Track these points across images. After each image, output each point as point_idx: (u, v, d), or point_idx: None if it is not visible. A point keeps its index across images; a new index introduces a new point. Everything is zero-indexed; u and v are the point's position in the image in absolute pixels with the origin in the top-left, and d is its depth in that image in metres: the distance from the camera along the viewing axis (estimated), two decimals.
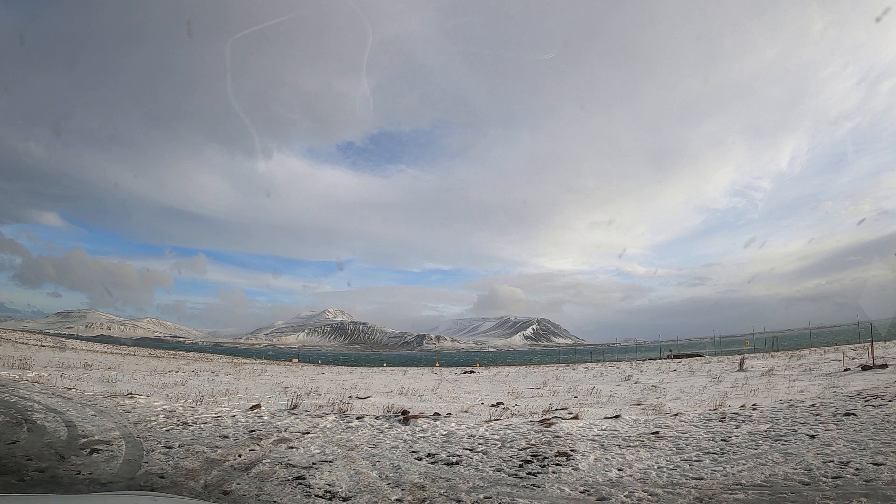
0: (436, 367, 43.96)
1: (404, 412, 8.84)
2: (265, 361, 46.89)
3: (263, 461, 5.65)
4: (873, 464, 4.98)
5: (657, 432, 7.01)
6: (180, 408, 8.88)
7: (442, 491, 4.76)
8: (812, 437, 6.28)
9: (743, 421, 7.52)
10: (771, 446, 5.99)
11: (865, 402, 8.34)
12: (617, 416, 8.35)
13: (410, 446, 6.58)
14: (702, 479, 4.95)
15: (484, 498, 4.57)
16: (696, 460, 5.59)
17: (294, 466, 5.48)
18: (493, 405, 11.20)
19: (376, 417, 8.58)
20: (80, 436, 6.54)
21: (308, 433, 7.23)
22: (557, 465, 5.60)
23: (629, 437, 6.85)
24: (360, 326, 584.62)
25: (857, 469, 4.87)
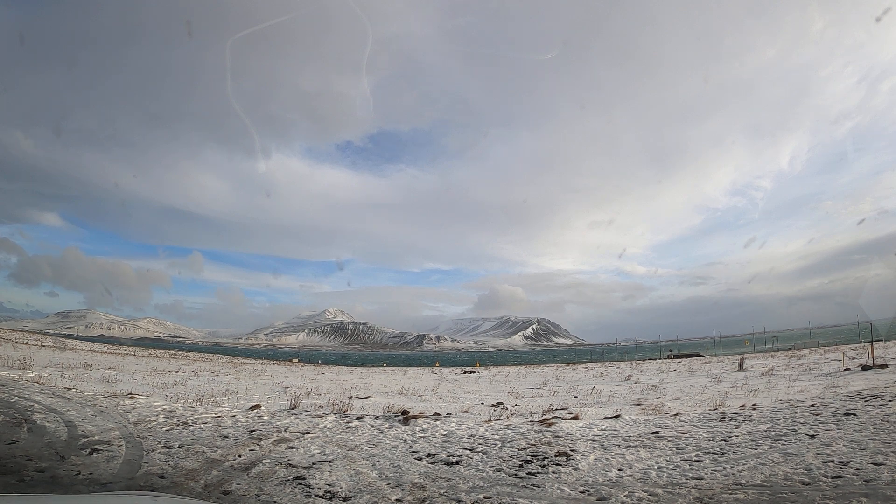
0: (436, 367, 43.98)
1: (404, 412, 8.84)
2: (265, 361, 46.90)
3: (263, 461, 5.65)
4: (873, 464, 4.98)
5: (657, 432, 7.01)
6: (180, 408, 8.88)
7: (442, 491, 4.76)
8: (812, 437, 6.28)
9: (743, 421, 7.52)
10: (771, 446, 5.99)
11: (865, 402, 8.33)
12: (617, 416, 8.35)
13: (410, 446, 6.58)
14: (702, 478, 4.95)
15: (484, 498, 4.58)
16: (696, 460, 5.59)
17: (294, 466, 5.48)
18: (493, 405, 11.20)
19: (376, 417, 8.58)
20: (80, 436, 6.54)
21: (308, 433, 7.23)
22: (557, 465, 5.60)
23: (629, 437, 6.85)
24: (360, 326, 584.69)
25: (857, 469, 4.87)
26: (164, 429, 7.16)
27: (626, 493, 4.62)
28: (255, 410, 8.99)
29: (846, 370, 14.78)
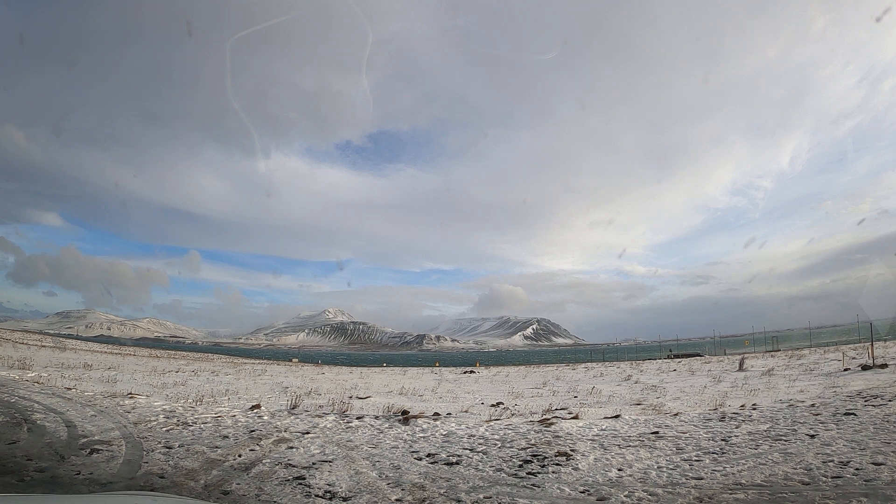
0: (436, 367, 43.93)
1: (404, 412, 8.84)
2: (265, 361, 46.88)
3: (263, 461, 5.65)
4: (873, 464, 4.98)
5: (657, 432, 7.01)
6: (180, 408, 8.88)
7: (442, 491, 4.76)
8: (812, 436, 6.28)
9: (743, 421, 7.52)
10: (771, 446, 5.99)
11: (865, 401, 8.34)
12: (617, 416, 8.35)
13: (410, 446, 6.59)
14: (702, 478, 4.95)
15: (484, 498, 4.58)
16: (695, 460, 5.59)
17: (294, 466, 5.48)
18: (493, 405, 11.20)
19: (376, 417, 8.58)
20: (80, 436, 6.54)
21: (308, 433, 7.23)
22: (557, 464, 5.60)
23: (629, 436, 6.85)
24: (360, 326, 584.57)
25: (857, 469, 4.87)
26: (164, 429, 7.16)
27: (626, 492, 4.62)
28: (255, 410, 8.98)
29: (846, 370, 14.78)
